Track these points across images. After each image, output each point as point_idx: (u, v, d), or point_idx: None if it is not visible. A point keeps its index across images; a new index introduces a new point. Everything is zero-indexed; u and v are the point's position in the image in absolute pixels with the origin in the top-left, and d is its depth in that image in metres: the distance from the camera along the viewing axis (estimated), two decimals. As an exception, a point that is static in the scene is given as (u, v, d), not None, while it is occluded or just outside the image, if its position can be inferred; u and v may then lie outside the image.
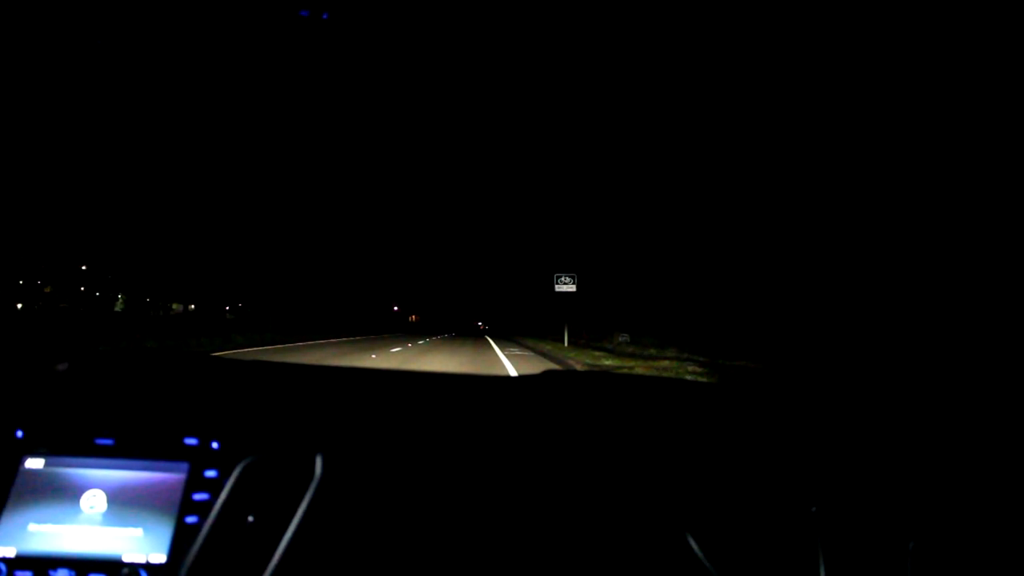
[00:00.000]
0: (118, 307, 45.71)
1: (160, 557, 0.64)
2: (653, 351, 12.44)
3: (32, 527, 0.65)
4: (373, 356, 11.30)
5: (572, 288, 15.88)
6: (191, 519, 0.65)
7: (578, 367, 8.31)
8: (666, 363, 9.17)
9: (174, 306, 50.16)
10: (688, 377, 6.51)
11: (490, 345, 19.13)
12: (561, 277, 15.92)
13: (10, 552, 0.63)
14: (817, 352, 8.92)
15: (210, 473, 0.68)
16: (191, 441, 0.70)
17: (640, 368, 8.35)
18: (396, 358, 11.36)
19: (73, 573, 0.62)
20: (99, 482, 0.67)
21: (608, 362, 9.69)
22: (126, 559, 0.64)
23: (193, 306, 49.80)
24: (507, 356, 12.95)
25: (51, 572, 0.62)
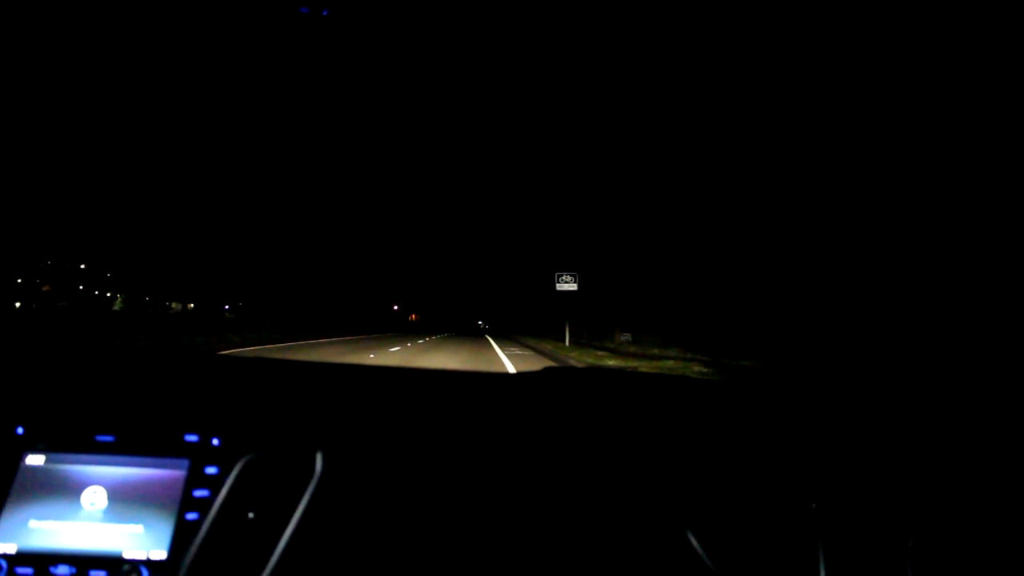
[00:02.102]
0: (117, 306, 45.69)
1: (161, 554, 0.64)
2: (656, 351, 12.37)
3: (33, 523, 0.65)
4: (371, 356, 11.16)
5: (573, 287, 15.87)
6: (192, 516, 0.65)
7: (580, 367, 8.26)
8: (670, 363, 9.08)
9: (173, 305, 50.14)
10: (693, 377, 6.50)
11: (490, 344, 19.11)
12: (562, 276, 15.89)
13: (11, 548, 0.63)
14: (820, 351, 8.90)
15: (210, 470, 0.68)
16: (191, 438, 0.70)
17: (644, 368, 8.34)
18: (395, 358, 11.24)
19: (74, 570, 0.62)
20: (100, 479, 0.67)
21: (611, 362, 9.58)
22: (127, 556, 0.64)
23: (192, 305, 49.78)
24: (507, 355, 12.92)
25: (52, 568, 0.62)
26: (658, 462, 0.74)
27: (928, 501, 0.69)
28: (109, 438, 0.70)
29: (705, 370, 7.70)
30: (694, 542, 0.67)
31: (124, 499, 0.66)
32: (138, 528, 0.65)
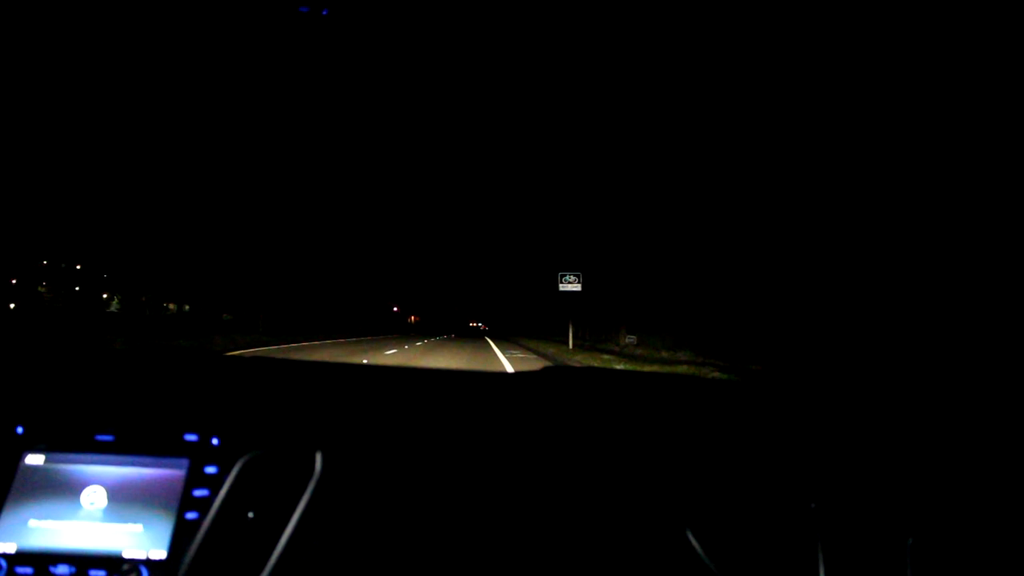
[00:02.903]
0: (114, 306, 45.54)
1: (160, 553, 0.64)
2: (665, 354, 11.89)
3: (32, 523, 0.65)
4: (364, 361, 10.52)
5: (577, 287, 15.77)
6: (191, 515, 0.65)
7: (577, 367, 8.08)
8: (683, 368, 8.67)
9: (170, 306, 49.94)
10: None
11: (490, 347, 18.93)
12: (565, 276, 15.77)
13: (11, 548, 0.63)
14: (822, 351, 8.84)
15: (210, 469, 0.68)
16: (191, 437, 0.70)
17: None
18: (390, 361, 10.94)
19: (73, 569, 0.62)
20: (99, 478, 0.67)
21: (619, 367, 9.17)
22: (126, 555, 0.64)
23: (188, 307, 49.57)
24: (508, 359, 12.74)
25: (51, 568, 0.62)
26: (657, 462, 0.74)
27: (927, 501, 0.69)
28: (109, 437, 0.70)
29: (724, 376, 7.36)
30: (694, 542, 0.67)
31: (124, 498, 0.66)
32: (138, 527, 0.65)
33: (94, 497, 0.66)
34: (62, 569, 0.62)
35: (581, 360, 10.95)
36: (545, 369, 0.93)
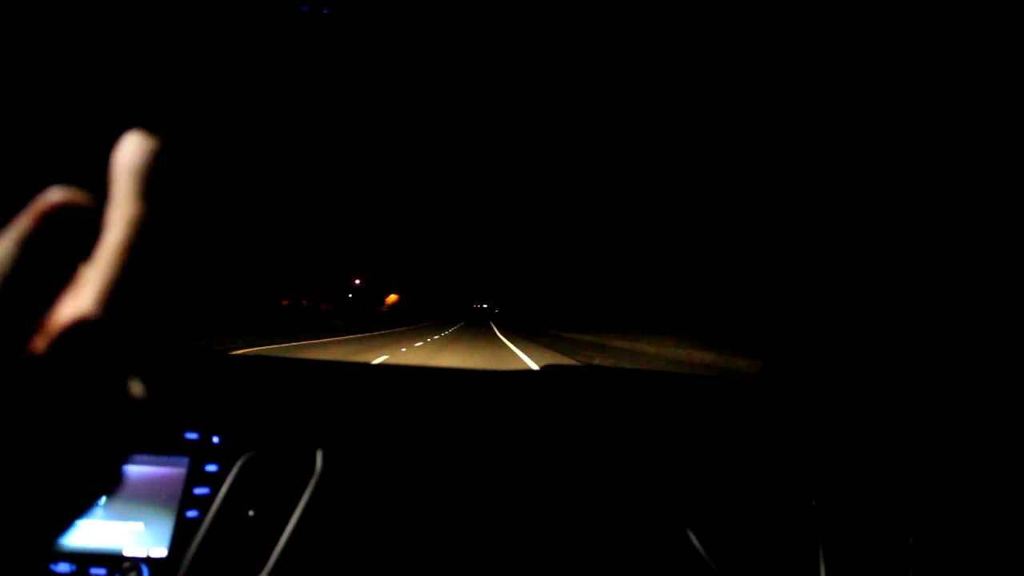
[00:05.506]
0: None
1: (161, 551, 0.64)
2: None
3: None
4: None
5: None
6: (192, 513, 0.65)
7: (578, 366, 7.47)
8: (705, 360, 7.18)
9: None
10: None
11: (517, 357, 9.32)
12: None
13: None
14: (821, 347, 8.71)
15: (211, 468, 0.68)
16: (192, 436, 0.70)
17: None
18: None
19: (74, 567, 0.62)
20: None
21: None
22: (127, 553, 0.64)
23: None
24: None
25: (52, 566, 0.62)
26: (658, 460, 0.74)
27: (928, 499, 0.69)
28: None
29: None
30: (695, 540, 0.67)
31: (124, 497, 0.66)
32: (138, 526, 0.65)
33: None
34: (63, 567, 0.62)
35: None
36: (546, 367, 0.93)
